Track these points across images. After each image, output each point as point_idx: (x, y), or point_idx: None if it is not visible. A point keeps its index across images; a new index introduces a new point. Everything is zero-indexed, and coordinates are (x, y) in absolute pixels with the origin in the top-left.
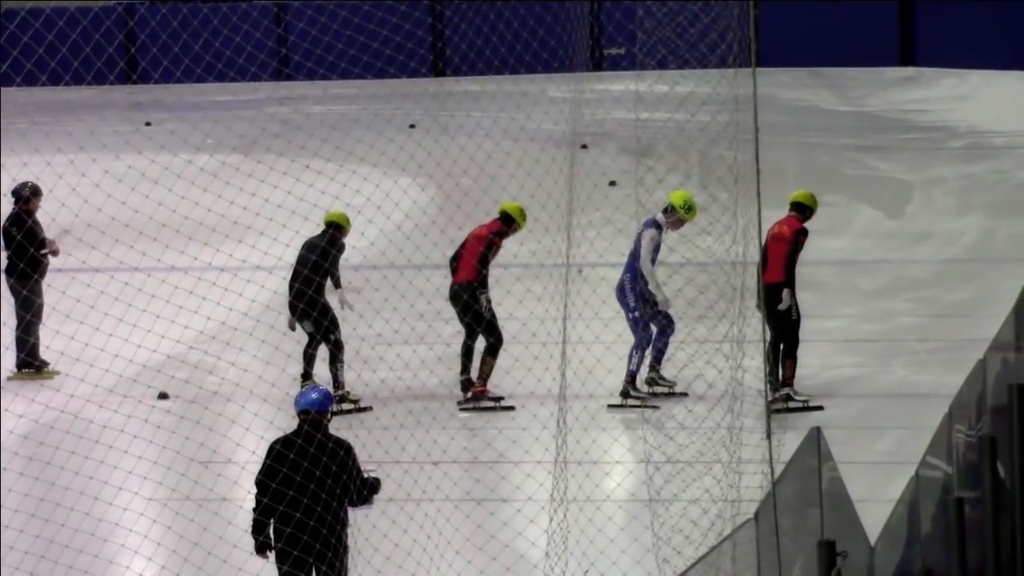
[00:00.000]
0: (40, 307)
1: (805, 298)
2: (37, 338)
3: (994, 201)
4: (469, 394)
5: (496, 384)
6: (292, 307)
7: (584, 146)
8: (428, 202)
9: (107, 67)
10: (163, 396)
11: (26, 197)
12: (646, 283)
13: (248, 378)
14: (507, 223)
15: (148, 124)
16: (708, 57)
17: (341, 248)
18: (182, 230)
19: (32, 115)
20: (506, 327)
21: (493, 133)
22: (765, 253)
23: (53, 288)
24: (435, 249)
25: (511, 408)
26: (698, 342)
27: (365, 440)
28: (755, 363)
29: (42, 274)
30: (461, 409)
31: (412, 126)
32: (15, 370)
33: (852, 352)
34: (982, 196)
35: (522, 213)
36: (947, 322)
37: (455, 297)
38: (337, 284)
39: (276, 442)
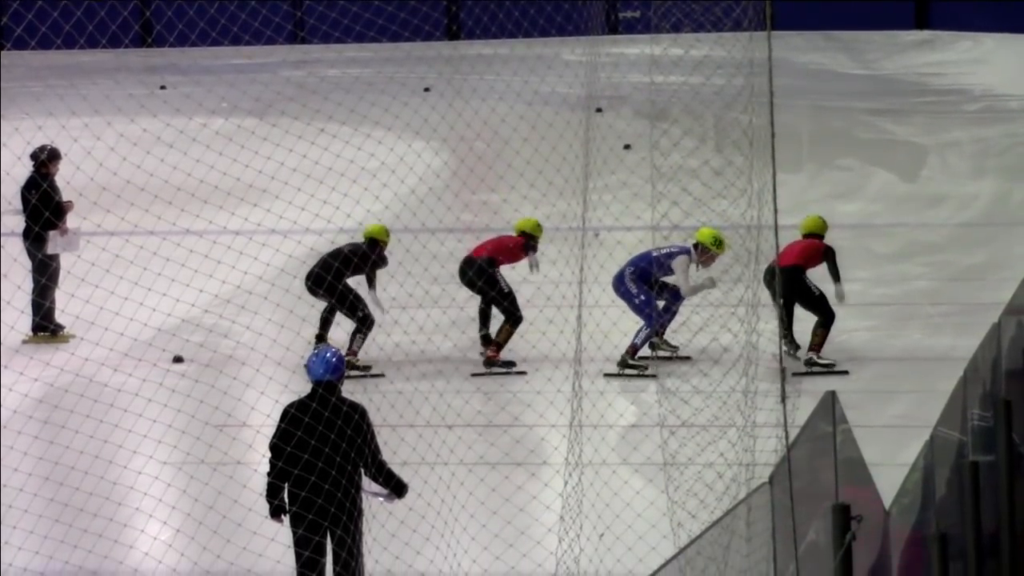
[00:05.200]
0: (56, 271)
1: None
2: (53, 302)
3: (1008, 165)
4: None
5: (511, 348)
6: (317, 279)
7: (599, 110)
8: (442, 166)
9: (122, 30)
10: (178, 360)
11: (43, 160)
12: (651, 287)
13: (263, 342)
14: (531, 239)
15: (163, 87)
16: (723, 20)
17: (383, 261)
18: (197, 194)
19: (46, 78)
20: (521, 291)
21: (507, 97)
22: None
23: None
24: (448, 213)
25: (523, 373)
26: (713, 306)
27: (380, 404)
28: (770, 327)
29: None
30: (472, 375)
31: (427, 89)
32: (30, 333)
33: (867, 316)
34: (996, 160)
35: (538, 227)
36: (961, 286)
37: (474, 268)
38: (372, 286)
39: (290, 406)
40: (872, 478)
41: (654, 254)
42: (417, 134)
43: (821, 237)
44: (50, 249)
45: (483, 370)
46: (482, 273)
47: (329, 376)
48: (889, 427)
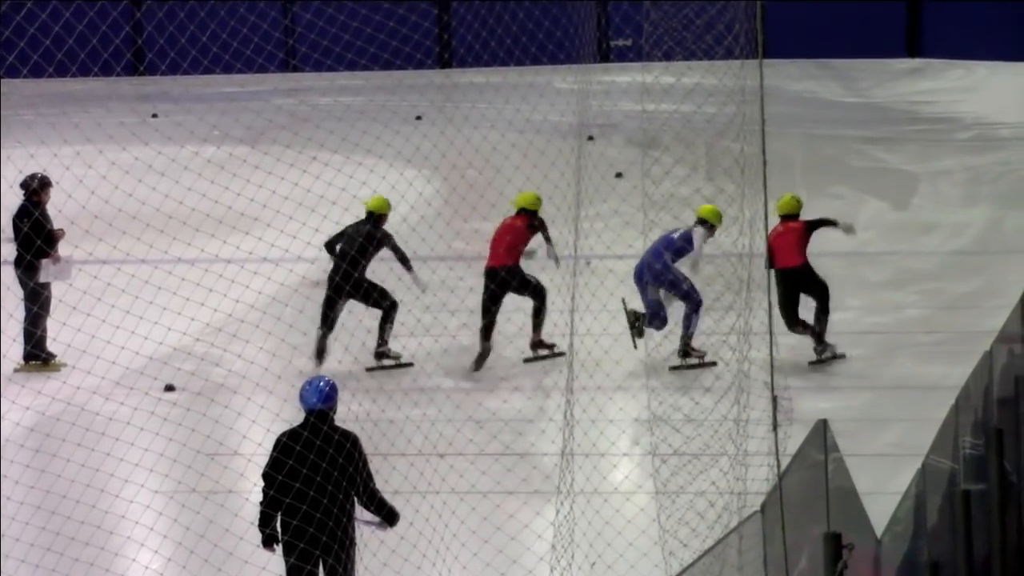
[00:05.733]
0: (47, 299)
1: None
2: (44, 330)
3: (1000, 192)
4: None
5: (502, 376)
6: (337, 287)
7: (591, 138)
8: (434, 194)
9: (114, 58)
10: (169, 388)
11: (35, 189)
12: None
13: (254, 370)
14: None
15: (155, 115)
16: (714, 48)
17: (385, 235)
18: (188, 221)
19: (38, 106)
20: (512, 319)
21: (499, 125)
22: (771, 251)
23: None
24: (440, 241)
25: (562, 354)
26: (704, 334)
27: (371, 432)
28: (761, 355)
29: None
30: (525, 361)
31: (418, 118)
32: (22, 362)
33: (858, 344)
34: (988, 187)
35: (538, 200)
36: (953, 314)
37: (500, 280)
38: (407, 266)
39: (283, 435)
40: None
41: (674, 236)
42: (409, 162)
43: (797, 216)
44: (42, 277)
45: (531, 354)
46: (513, 276)
47: (322, 405)
48: (881, 455)
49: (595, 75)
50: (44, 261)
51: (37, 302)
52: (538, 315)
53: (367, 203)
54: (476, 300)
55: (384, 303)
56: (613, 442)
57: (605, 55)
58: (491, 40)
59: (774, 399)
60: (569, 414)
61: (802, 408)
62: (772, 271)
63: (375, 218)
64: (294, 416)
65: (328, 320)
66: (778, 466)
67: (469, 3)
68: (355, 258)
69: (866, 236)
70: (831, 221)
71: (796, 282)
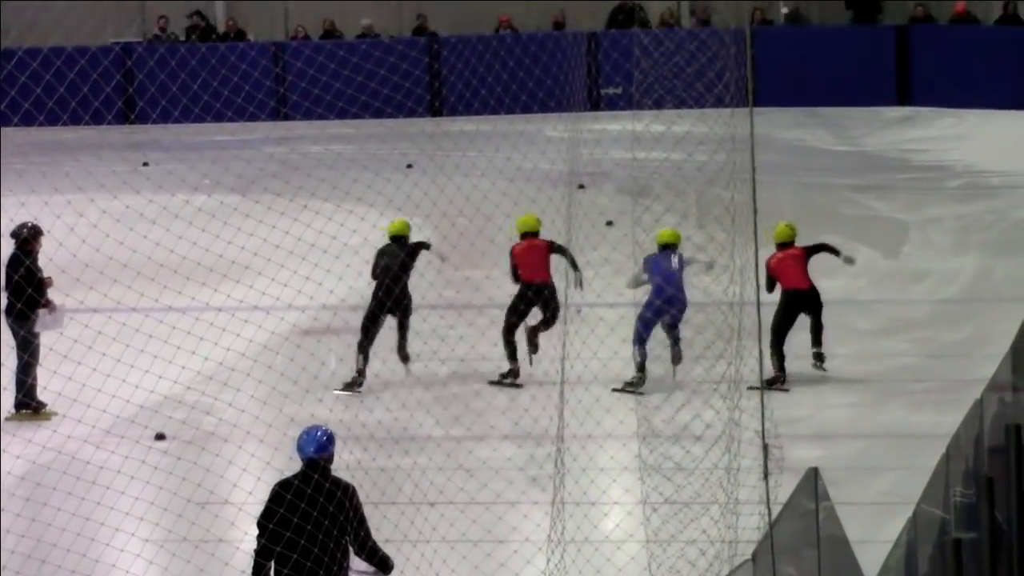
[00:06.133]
0: (37, 348)
1: (801, 339)
2: (35, 378)
3: (991, 241)
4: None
5: (492, 425)
6: (380, 303)
7: (581, 186)
8: None
9: (105, 107)
10: (160, 437)
11: (26, 237)
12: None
13: (245, 419)
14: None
15: (146, 164)
16: (705, 96)
17: (415, 246)
18: (179, 270)
19: (29, 155)
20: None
21: (490, 173)
22: (772, 277)
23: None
24: (431, 289)
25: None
26: (695, 383)
27: (362, 481)
28: (752, 403)
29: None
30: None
31: (409, 166)
32: (13, 411)
33: (849, 392)
34: (979, 236)
35: (538, 220)
36: (944, 362)
37: (539, 292)
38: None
39: (279, 485)
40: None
41: (674, 263)
42: (399, 210)
43: (792, 243)
44: (37, 327)
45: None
46: (552, 291)
47: (319, 455)
48: (872, 504)
49: (585, 123)
50: (40, 311)
51: (28, 350)
52: (546, 326)
53: (389, 229)
54: (466, 349)
55: (405, 321)
56: (604, 490)
57: (595, 103)
58: (481, 88)
59: (765, 447)
60: (559, 462)
61: (793, 456)
62: (781, 292)
63: (402, 239)
64: (285, 465)
65: (369, 334)
66: (769, 514)
67: (459, 52)
68: (398, 275)
69: (857, 284)
70: (832, 249)
71: (801, 304)
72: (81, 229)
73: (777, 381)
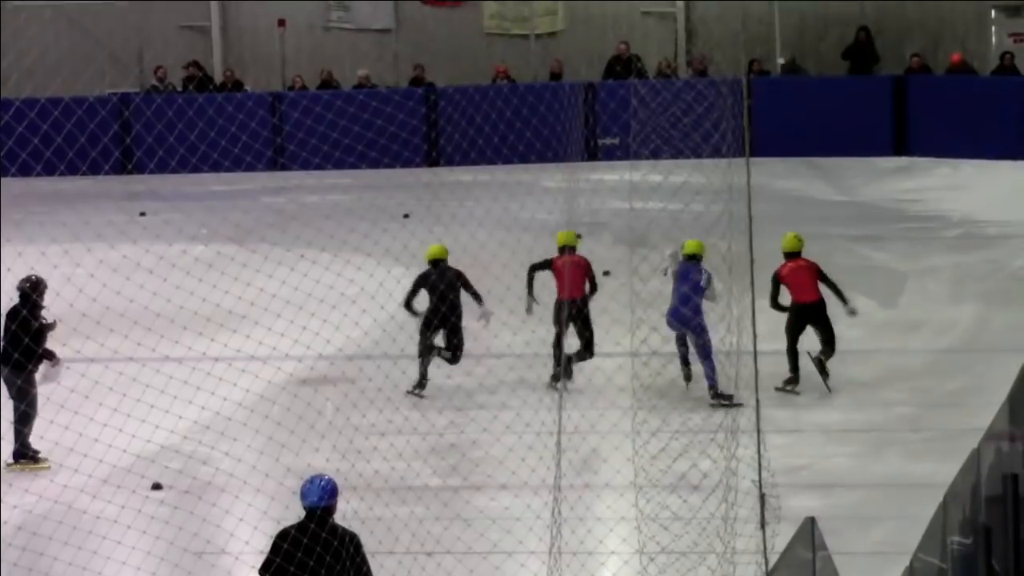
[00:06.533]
0: (34, 398)
1: (798, 388)
2: (30, 428)
3: (987, 291)
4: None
5: (489, 474)
6: (427, 322)
7: (578, 236)
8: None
9: (102, 157)
10: (156, 486)
11: (25, 292)
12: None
13: (242, 469)
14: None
15: (143, 214)
16: (702, 146)
17: (458, 273)
18: (177, 320)
19: (27, 205)
20: (500, 417)
21: (487, 223)
22: (778, 286)
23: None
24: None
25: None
26: (692, 432)
27: (359, 530)
28: (749, 452)
29: (36, 365)
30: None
31: (406, 216)
32: (11, 461)
33: (846, 442)
34: (975, 286)
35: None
36: (941, 412)
37: (570, 313)
38: (479, 300)
39: (279, 536)
40: None
41: (702, 280)
42: (397, 260)
43: (800, 253)
44: (39, 379)
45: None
46: (581, 308)
47: (322, 503)
48: (869, 553)
49: (582, 173)
50: (45, 364)
51: (24, 401)
52: (581, 359)
53: (428, 254)
54: (464, 399)
55: (456, 344)
56: (601, 540)
57: (592, 153)
58: (478, 139)
59: (762, 497)
60: (556, 512)
61: (790, 506)
62: (791, 304)
63: (441, 262)
64: (281, 515)
65: (428, 349)
66: (766, 564)
67: (456, 102)
68: (445, 294)
69: (854, 334)
70: (842, 296)
71: (810, 316)
72: (78, 279)
73: (791, 383)
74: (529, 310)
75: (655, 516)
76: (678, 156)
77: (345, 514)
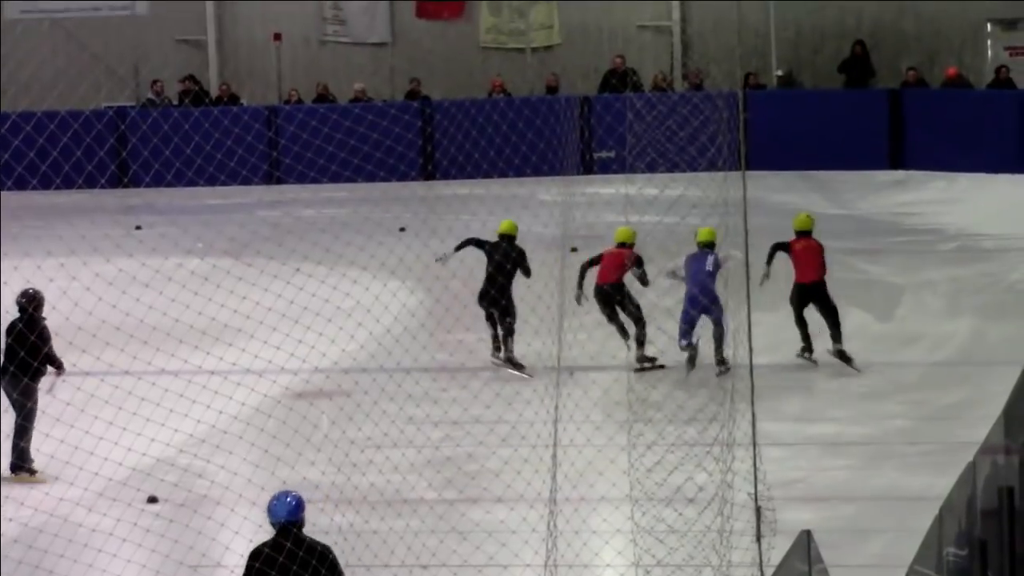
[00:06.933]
0: (32, 411)
1: (796, 401)
2: (28, 440)
3: (984, 304)
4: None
5: (485, 487)
6: (486, 294)
7: (574, 249)
8: (417, 305)
9: (98, 170)
10: (152, 500)
11: (23, 306)
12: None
13: (237, 482)
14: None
15: (139, 228)
16: (698, 160)
17: (521, 254)
18: (172, 333)
19: (23, 219)
20: (496, 430)
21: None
22: (782, 251)
23: (42, 390)
24: (424, 352)
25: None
26: (688, 444)
27: (355, 544)
28: (745, 466)
29: (35, 377)
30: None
31: (402, 229)
32: (11, 473)
33: (842, 455)
34: (972, 299)
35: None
36: (937, 425)
37: (606, 296)
38: (528, 274)
39: (252, 556)
40: None
41: (709, 265)
42: (392, 274)
43: (810, 232)
44: (45, 389)
45: (637, 366)
46: (618, 291)
47: (290, 519)
48: (865, 566)
49: (578, 187)
50: (50, 372)
51: (22, 413)
52: (639, 337)
53: (500, 228)
54: (459, 411)
55: (510, 322)
56: (596, 553)
57: (588, 167)
58: (474, 152)
59: (758, 510)
60: (552, 525)
61: (785, 519)
62: (794, 283)
63: (510, 238)
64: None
65: (493, 318)
66: None
67: (452, 116)
68: (497, 276)
69: (851, 347)
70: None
71: (812, 295)
72: (74, 292)
73: (806, 351)
74: (579, 301)
75: (651, 529)
76: (674, 169)
77: (341, 527)
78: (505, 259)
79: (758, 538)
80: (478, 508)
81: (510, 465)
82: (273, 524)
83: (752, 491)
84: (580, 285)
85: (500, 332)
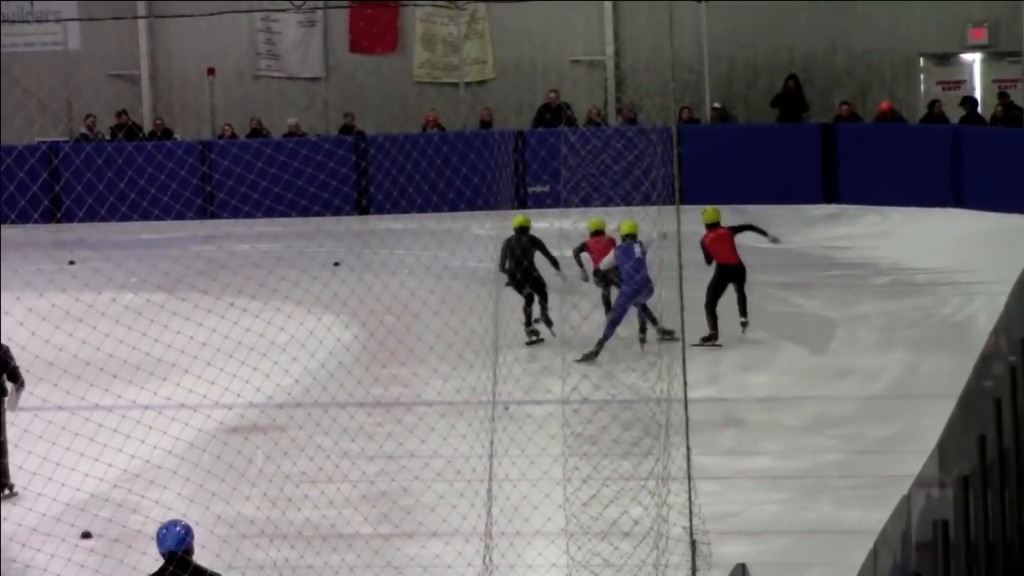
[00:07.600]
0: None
1: (729, 435)
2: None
3: (916, 338)
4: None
5: (420, 522)
6: (516, 279)
7: (508, 284)
8: (352, 340)
9: (31, 205)
10: (86, 535)
11: None
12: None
13: (171, 516)
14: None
15: (72, 262)
16: (632, 194)
17: (537, 240)
18: (106, 369)
19: None
20: (431, 464)
21: (417, 271)
22: (707, 254)
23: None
24: (359, 387)
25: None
26: (623, 479)
27: None
28: (680, 500)
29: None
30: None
31: (336, 264)
32: None
33: (776, 489)
34: (905, 333)
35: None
36: (871, 458)
37: (605, 277)
38: (556, 266)
39: None
40: None
41: (637, 252)
42: (327, 308)
43: (718, 224)
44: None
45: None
46: (615, 272)
47: (182, 547)
48: None
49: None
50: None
51: None
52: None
53: (513, 222)
54: (394, 446)
55: (545, 292)
56: None
57: (523, 201)
58: (408, 187)
59: (693, 544)
60: (488, 559)
61: (720, 552)
62: (716, 265)
63: (524, 229)
64: (210, 563)
65: (528, 295)
66: None
67: (386, 150)
68: (523, 259)
69: (783, 381)
70: (759, 229)
71: (731, 276)
72: (7, 327)
73: (711, 339)
74: (586, 279)
75: (586, 563)
76: (608, 204)
77: (276, 562)
78: (530, 244)
79: (693, 572)
80: (413, 543)
81: (445, 499)
82: (163, 554)
83: (687, 525)
84: (582, 266)
85: (534, 308)
